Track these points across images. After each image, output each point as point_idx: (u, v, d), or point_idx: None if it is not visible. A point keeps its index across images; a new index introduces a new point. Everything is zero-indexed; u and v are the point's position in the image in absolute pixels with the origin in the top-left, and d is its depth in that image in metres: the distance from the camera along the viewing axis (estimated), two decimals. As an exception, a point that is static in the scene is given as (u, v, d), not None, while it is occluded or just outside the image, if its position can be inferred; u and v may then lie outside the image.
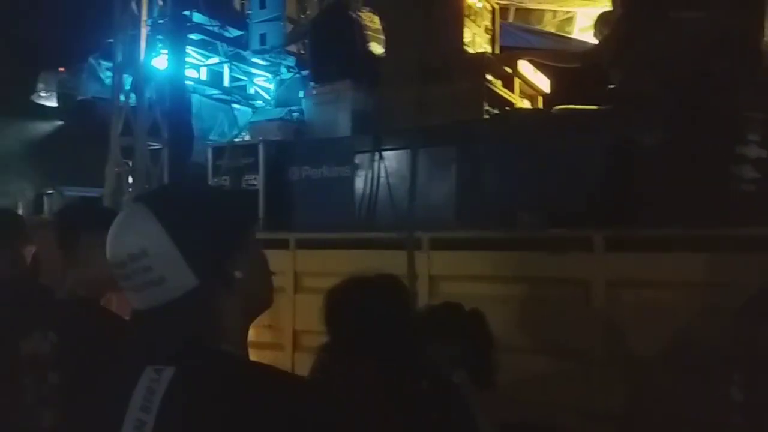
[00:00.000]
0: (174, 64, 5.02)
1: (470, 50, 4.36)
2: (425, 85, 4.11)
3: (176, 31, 5.08)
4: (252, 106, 7.04)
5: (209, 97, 6.56)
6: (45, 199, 5.79)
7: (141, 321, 1.11)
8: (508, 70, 4.60)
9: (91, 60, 6.43)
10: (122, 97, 5.08)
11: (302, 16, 6.98)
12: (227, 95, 6.79)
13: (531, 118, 4.26)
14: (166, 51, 5.26)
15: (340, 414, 1.25)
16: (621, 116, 3.55)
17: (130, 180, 5.33)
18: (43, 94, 7.20)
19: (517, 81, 4.71)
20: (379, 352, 1.91)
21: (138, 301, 1.09)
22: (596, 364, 3.04)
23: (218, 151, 5.04)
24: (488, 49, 4.64)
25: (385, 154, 4.33)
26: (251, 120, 5.46)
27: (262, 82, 7.13)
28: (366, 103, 4.84)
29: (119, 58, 5.17)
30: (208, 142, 5.64)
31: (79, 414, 1.19)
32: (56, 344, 1.95)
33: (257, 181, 4.83)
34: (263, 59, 6.68)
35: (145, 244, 1.05)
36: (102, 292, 2.13)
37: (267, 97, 7.14)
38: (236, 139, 6.01)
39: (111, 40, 5.51)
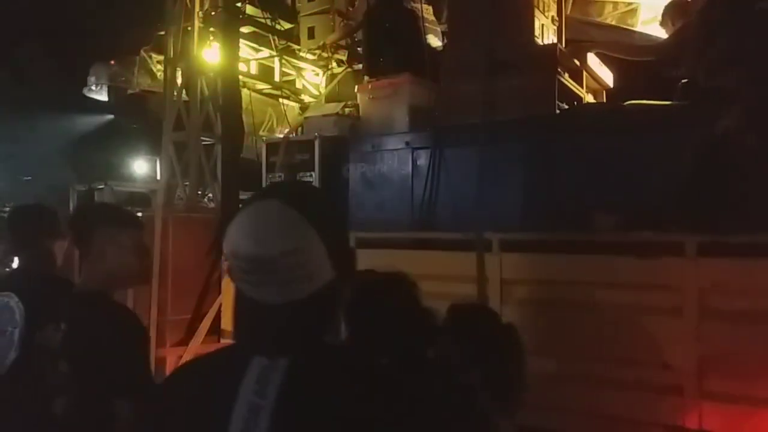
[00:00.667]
0: (227, 57, 4.90)
1: (540, 42, 4.15)
2: (493, 78, 3.93)
3: (229, 24, 4.96)
4: (300, 101, 6.92)
5: (259, 91, 6.45)
6: (96, 194, 5.75)
7: (272, 313, 1.11)
8: (577, 62, 4.37)
9: (143, 53, 6.37)
10: (175, 91, 4.98)
11: (350, 9, 6.84)
12: (277, 90, 6.66)
13: (606, 113, 4.03)
14: (217, 44, 5.14)
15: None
16: (707, 113, 3.31)
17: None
18: (93, 87, 7.16)
19: (584, 74, 4.48)
20: (390, 350, 1.88)
21: (277, 294, 1.10)
22: (690, 377, 2.82)
23: (273, 147, 4.92)
24: (555, 40, 4.41)
25: (447, 150, 4.16)
26: (306, 116, 5.31)
27: (311, 77, 7.00)
28: (425, 97, 4.67)
29: (171, 51, 5.07)
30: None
31: (180, 404, 1.18)
32: (66, 334, 2.03)
33: (312, 178, 4.70)
34: (313, 53, 6.55)
35: (300, 242, 1.08)
36: (113, 286, 2.20)
37: (314, 92, 7.02)
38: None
39: (162, 33, 5.44)
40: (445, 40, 4.96)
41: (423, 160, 4.32)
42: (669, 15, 4.60)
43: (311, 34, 6.67)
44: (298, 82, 7.03)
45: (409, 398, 1.12)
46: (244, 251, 1.08)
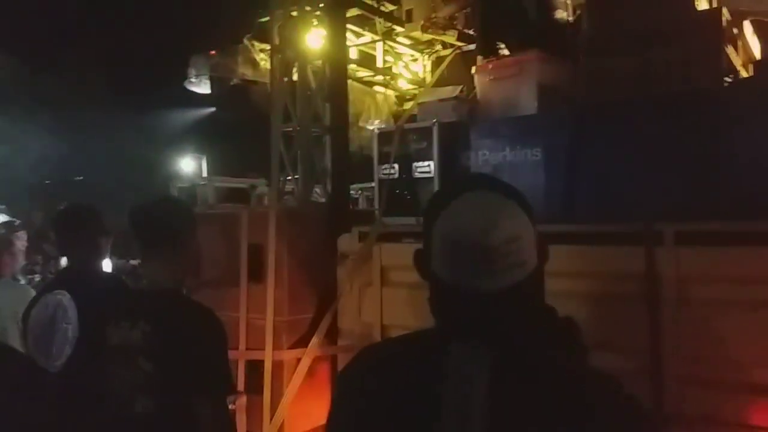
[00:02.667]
0: (334, 43, 4.62)
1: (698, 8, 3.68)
2: (648, 49, 3.49)
3: (337, 7, 4.67)
4: (398, 89, 6.60)
5: (359, 80, 6.15)
6: (197, 190, 5.61)
7: (483, 301, 1.10)
8: (735, 31, 3.87)
9: (245, 41, 6.17)
10: (281, 82, 4.72)
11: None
12: (378, 77, 6.35)
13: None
14: (324, 29, 4.87)
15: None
16: None
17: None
18: (193, 79, 7.02)
19: (740, 45, 3.98)
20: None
21: (493, 282, 1.10)
22: None
23: (385, 136, 4.61)
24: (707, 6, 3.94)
25: (592, 131, 3.74)
26: (420, 101, 4.98)
27: (409, 62, 6.66)
28: (554, 75, 4.27)
29: (276, 38, 4.82)
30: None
31: (375, 397, 1.15)
32: (148, 333, 2.03)
33: (430, 168, 4.37)
34: (411, 36, 6.20)
35: (520, 231, 1.11)
36: (183, 283, 2.29)
37: (408, 76, 6.69)
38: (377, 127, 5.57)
39: (266, 19, 5.18)
40: (576, 12, 4.50)
41: (558, 143, 3.93)
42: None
43: (409, 17, 6.32)
44: (396, 68, 6.70)
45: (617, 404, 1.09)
46: (471, 240, 1.08)
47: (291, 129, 4.75)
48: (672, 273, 2.93)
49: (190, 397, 1.98)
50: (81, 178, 13.27)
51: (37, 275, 6.36)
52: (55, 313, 2.60)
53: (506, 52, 4.73)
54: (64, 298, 2.63)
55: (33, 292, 4.23)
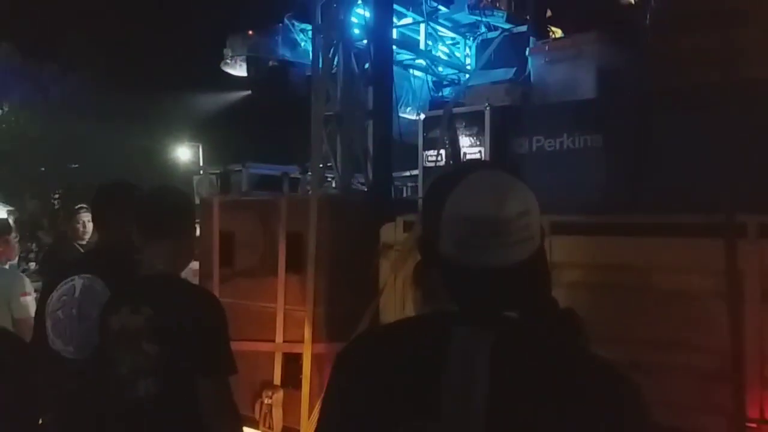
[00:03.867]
0: (379, 24, 4.39)
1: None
2: (722, 30, 3.22)
3: (382, -16, 4.45)
4: (436, 73, 6.34)
5: (398, 63, 5.90)
6: (231, 176, 5.41)
7: (492, 276, 1.11)
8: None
9: (286, 20, 5.93)
10: (323, 64, 4.51)
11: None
12: (419, 61, 6.09)
13: None
14: (368, 8, 4.64)
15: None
16: None
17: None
18: (229, 61, 6.79)
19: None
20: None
21: (503, 256, 1.11)
22: None
23: (431, 121, 4.39)
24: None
25: (662, 117, 3.49)
26: (470, 84, 4.74)
27: (450, 45, 6.40)
28: (615, 58, 4.01)
29: (318, 18, 4.61)
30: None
31: (375, 378, 1.15)
32: (151, 317, 2.05)
33: (481, 154, 4.14)
34: (452, 19, 5.95)
35: (529, 205, 1.12)
36: (182, 268, 2.30)
37: (448, 60, 6.44)
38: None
39: (307, -2, 4.95)
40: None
41: (622, 130, 3.69)
42: None
43: (448, -2, 6.07)
44: (436, 51, 6.44)
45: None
46: (483, 213, 1.09)
47: (331, 113, 4.53)
48: (755, 267, 2.70)
49: (193, 379, 2.02)
50: (76, 165, 13.29)
51: (32, 263, 6.23)
52: (84, 299, 2.43)
53: (559, 34, 4.49)
54: (95, 283, 2.46)
55: (24, 278, 4.11)
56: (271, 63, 6.22)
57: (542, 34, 4.42)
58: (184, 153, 14.92)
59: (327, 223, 4.12)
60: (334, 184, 5.04)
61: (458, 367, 1.06)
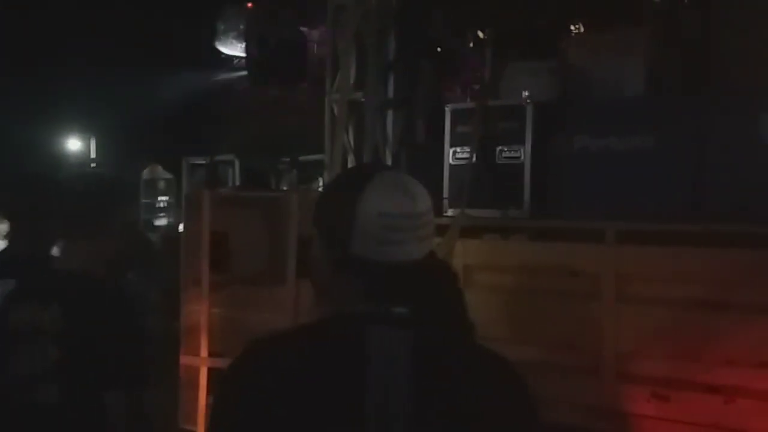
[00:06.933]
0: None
1: None
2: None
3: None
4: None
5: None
6: (218, 168, 4.86)
7: (405, 271, 1.15)
8: None
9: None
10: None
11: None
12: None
13: None
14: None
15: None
16: None
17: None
18: (223, 37, 6.07)
19: None
20: None
21: (416, 250, 1.17)
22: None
23: (460, 114, 4.01)
24: None
25: (731, 118, 3.26)
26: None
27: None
28: (665, 55, 3.75)
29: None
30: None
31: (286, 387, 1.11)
32: (58, 318, 1.90)
33: (520, 153, 3.80)
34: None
35: (430, 203, 1.21)
36: (99, 266, 2.16)
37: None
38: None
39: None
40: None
41: (677, 132, 3.45)
42: None
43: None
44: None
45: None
46: (402, 209, 1.14)
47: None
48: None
49: (99, 389, 1.92)
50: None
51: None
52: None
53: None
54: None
55: None
56: (272, 41, 5.58)
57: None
58: (74, 144, 13.84)
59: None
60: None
61: (381, 367, 1.08)
